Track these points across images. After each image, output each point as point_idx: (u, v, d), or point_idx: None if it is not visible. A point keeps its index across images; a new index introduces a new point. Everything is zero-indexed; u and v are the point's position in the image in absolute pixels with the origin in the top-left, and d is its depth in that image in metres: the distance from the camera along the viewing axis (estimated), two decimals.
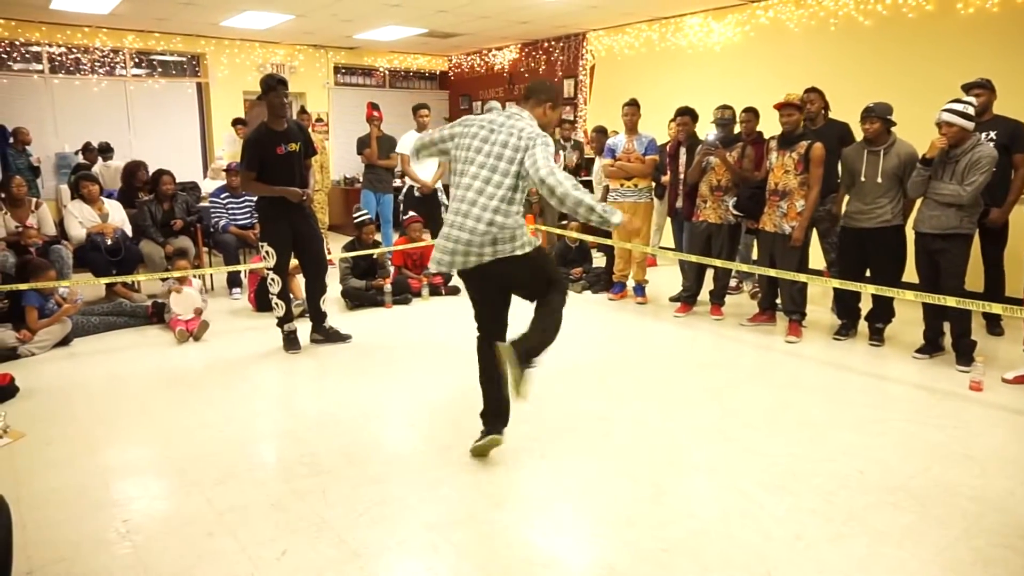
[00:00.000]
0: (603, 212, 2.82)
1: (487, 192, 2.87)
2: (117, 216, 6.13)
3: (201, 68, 9.86)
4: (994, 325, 5.09)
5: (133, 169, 6.89)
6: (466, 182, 2.93)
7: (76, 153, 8.62)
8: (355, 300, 5.94)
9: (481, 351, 3.17)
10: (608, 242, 6.17)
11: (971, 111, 4.11)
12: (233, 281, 6.53)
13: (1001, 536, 2.53)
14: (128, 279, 5.82)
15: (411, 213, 6.53)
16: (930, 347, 4.55)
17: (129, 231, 6.14)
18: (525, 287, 3.10)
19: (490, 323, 3.17)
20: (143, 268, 6.10)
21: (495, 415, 3.16)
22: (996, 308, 3.98)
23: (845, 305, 5.00)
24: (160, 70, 9.67)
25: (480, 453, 3.14)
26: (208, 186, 8.10)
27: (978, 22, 5.84)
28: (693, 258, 5.45)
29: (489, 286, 3.08)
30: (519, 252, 2.92)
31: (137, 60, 9.44)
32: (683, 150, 5.75)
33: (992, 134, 4.56)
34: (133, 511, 2.73)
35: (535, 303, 3.08)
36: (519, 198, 2.92)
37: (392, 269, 6.35)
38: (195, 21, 8.50)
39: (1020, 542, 2.49)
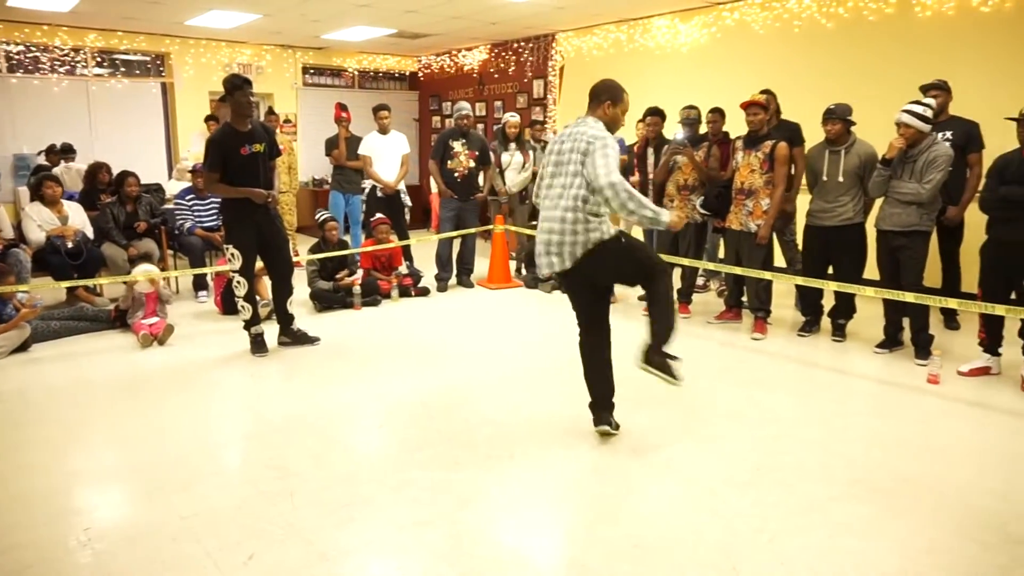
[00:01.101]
0: (653, 213, 2.99)
1: (565, 195, 3.10)
2: (77, 218, 6.01)
3: (166, 68, 9.69)
4: (951, 319, 5.23)
5: (95, 170, 6.76)
6: (553, 192, 3.18)
7: (38, 154, 8.41)
8: (324, 302, 5.90)
9: (582, 349, 3.36)
10: None
11: (928, 113, 4.22)
12: (199, 284, 6.44)
13: (957, 525, 2.60)
14: (89, 283, 5.70)
15: (378, 215, 6.51)
16: (890, 342, 4.65)
17: (90, 233, 6.02)
18: (612, 275, 3.35)
19: (587, 321, 3.35)
20: (105, 271, 5.98)
21: (602, 407, 3.36)
22: (952, 303, 4.09)
23: (809, 302, 5.10)
24: (123, 70, 9.47)
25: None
26: (173, 187, 7.97)
27: (935, 25, 5.99)
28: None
29: (578, 285, 3.30)
30: (594, 240, 3.07)
31: (99, 59, 9.25)
32: (651, 150, 5.81)
33: (948, 134, 4.69)
34: (95, 518, 2.68)
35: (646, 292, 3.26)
36: (593, 199, 3.03)
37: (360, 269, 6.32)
38: (159, 20, 8.35)
39: (975, 531, 2.56)
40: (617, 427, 3.36)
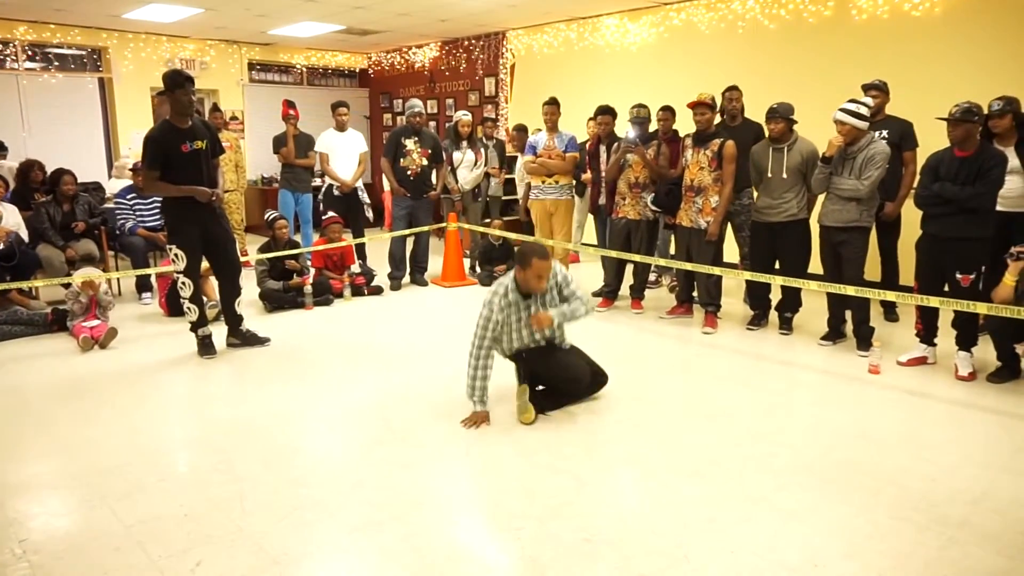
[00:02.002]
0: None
1: None
2: (11, 219, 5.75)
3: (103, 63, 9.35)
4: (890, 311, 5.42)
5: (27, 169, 6.49)
6: None
7: None
8: (274, 302, 5.78)
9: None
10: (531, 239, 6.22)
11: (864, 111, 4.36)
12: (143, 285, 6.24)
13: (895, 509, 2.70)
14: (24, 285, 5.47)
15: (330, 214, 6.41)
16: (833, 334, 4.80)
17: (25, 234, 5.78)
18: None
19: None
20: (41, 273, 5.75)
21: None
22: (890, 296, 4.25)
23: (757, 296, 5.22)
24: (57, 64, 9.10)
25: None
26: (113, 186, 7.71)
27: (871, 28, 6.20)
28: (613, 254, 5.57)
29: None
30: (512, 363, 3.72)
31: (31, 53, 8.87)
32: (603, 148, 5.87)
33: (884, 133, 4.85)
34: (31, 529, 2.57)
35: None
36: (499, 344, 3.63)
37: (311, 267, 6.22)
38: (94, 13, 8.04)
39: (913, 513, 2.66)
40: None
